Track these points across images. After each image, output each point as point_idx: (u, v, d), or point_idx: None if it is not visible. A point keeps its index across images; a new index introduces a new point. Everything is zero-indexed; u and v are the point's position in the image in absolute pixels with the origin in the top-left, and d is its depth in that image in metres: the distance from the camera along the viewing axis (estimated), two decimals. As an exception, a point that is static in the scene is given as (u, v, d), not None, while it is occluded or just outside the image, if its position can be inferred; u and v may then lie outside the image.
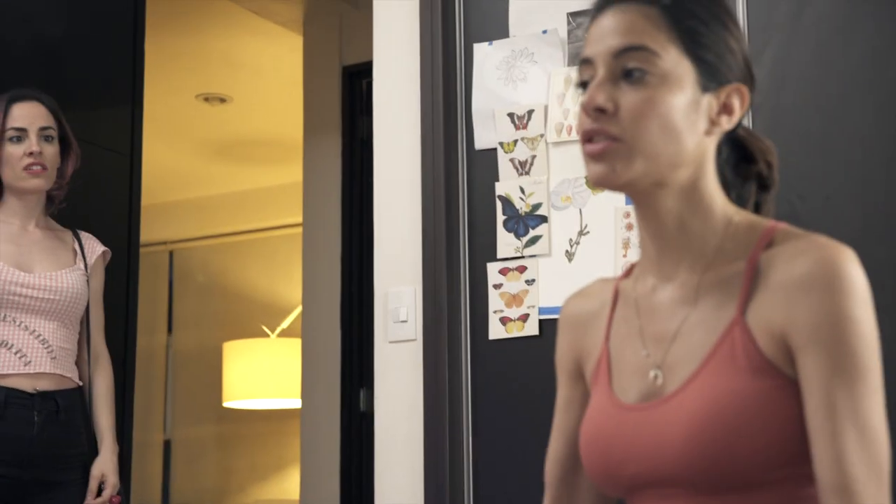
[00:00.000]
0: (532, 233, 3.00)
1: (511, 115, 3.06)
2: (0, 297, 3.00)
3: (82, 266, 3.20)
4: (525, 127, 3.03)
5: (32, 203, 3.19)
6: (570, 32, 3.00)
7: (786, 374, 1.40)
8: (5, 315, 3.02)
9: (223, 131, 6.71)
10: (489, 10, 3.13)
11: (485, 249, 3.06)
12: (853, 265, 1.40)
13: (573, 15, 3.00)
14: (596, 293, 1.68)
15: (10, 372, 2.96)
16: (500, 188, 3.05)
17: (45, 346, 3.04)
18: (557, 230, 2.98)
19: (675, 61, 1.49)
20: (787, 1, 2.72)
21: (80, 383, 3.14)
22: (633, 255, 2.84)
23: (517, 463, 2.94)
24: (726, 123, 1.51)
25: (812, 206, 2.58)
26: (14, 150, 3.08)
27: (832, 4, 2.70)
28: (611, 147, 1.48)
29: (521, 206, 3.01)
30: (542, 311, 2.97)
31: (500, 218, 3.04)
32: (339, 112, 4.99)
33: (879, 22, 2.65)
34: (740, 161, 1.59)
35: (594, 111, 1.48)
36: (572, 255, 2.94)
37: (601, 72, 1.49)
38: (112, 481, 3.07)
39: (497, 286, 3.02)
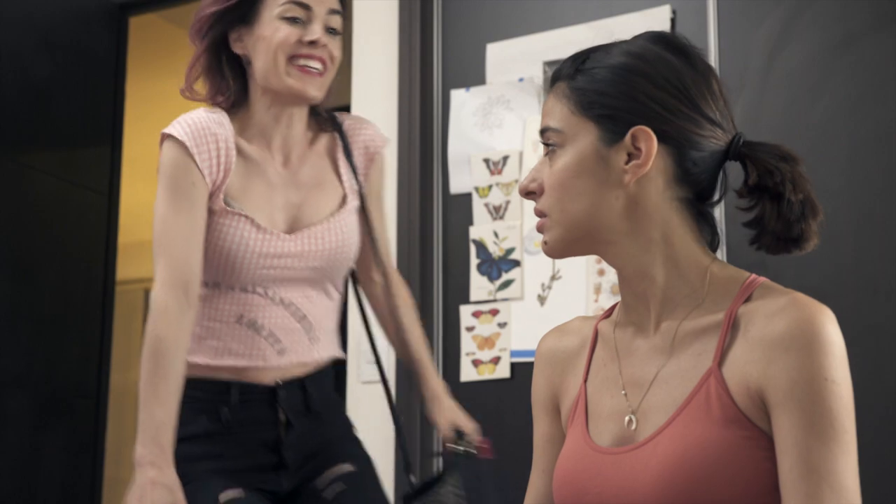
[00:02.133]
0: (505, 276, 2.99)
1: (486, 161, 3.05)
2: (248, 273, 2.11)
3: (355, 199, 2.25)
4: (500, 172, 3.03)
5: (293, 118, 2.21)
6: (545, 81, 3.00)
7: (758, 427, 1.40)
8: (255, 287, 2.13)
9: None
10: (467, 58, 3.13)
11: (458, 292, 3.06)
12: (832, 325, 1.39)
13: (549, 64, 3.00)
14: (576, 331, 1.67)
15: (259, 364, 2.12)
16: (475, 232, 3.04)
17: (304, 325, 2.16)
18: (530, 274, 2.96)
19: (574, 127, 1.51)
20: (758, 56, 2.73)
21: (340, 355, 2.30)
22: (605, 299, 2.83)
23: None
24: (639, 168, 1.49)
25: (781, 257, 2.57)
26: (287, 32, 2.10)
27: (802, 60, 2.70)
28: (542, 223, 1.54)
29: (495, 251, 3.00)
30: (513, 353, 2.96)
31: (474, 261, 3.03)
32: (315, 156, 4.98)
33: (848, 77, 2.66)
34: (745, 184, 1.52)
35: (526, 195, 1.56)
36: (544, 299, 2.93)
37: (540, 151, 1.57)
38: (470, 426, 2.28)
39: (469, 328, 3.00)
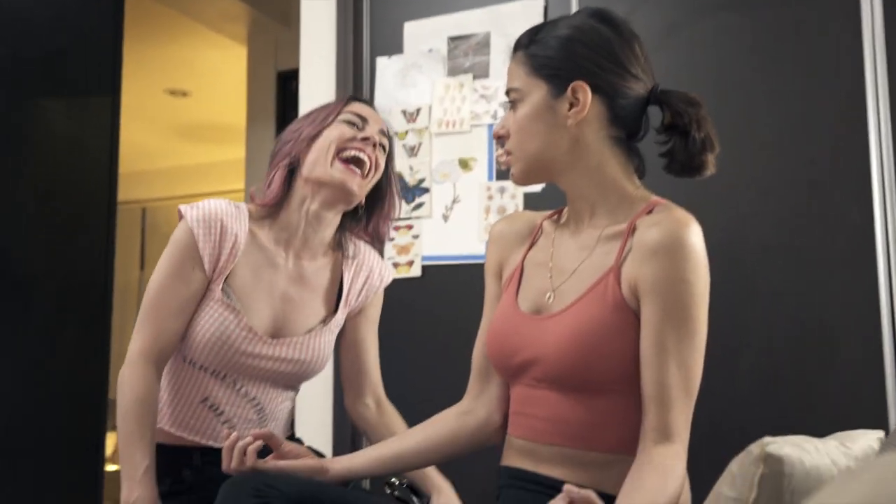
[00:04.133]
0: (417, 200, 2.99)
1: (404, 112, 3.04)
2: (228, 363, 1.84)
3: (342, 318, 1.99)
4: (414, 121, 3.02)
5: (321, 223, 1.92)
6: (449, 51, 2.99)
7: (637, 314, 1.42)
8: (226, 376, 1.86)
9: (184, 118, 6.62)
10: (389, 32, 3.10)
11: (382, 212, 3.04)
12: (695, 236, 1.41)
13: (452, 38, 2.99)
14: (523, 220, 1.69)
15: (211, 444, 1.87)
16: (396, 166, 3.03)
17: (260, 416, 1.91)
18: (437, 198, 2.97)
19: (530, 85, 1.54)
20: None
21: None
22: (492, 218, 2.85)
23: (403, 376, 2.94)
24: (578, 114, 1.51)
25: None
26: (344, 130, 1.88)
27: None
28: (507, 160, 1.57)
29: (410, 180, 3.00)
30: (424, 258, 2.96)
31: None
32: (273, 107, 4.92)
33: (676, 55, 2.68)
34: (662, 123, 1.54)
35: (497, 139, 1.58)
36: (447, 217, 2.95)
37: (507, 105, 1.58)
38: None
39: (391, 239, 3.01)
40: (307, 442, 1.96)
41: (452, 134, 2.95)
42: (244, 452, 1.58)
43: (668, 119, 1.52)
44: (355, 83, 3.10)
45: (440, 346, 2.88)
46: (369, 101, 2.02)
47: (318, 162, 1.85)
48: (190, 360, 1.85)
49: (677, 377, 1.38)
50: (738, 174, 2.54)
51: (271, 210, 1.91)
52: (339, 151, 1.86)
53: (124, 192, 3.80)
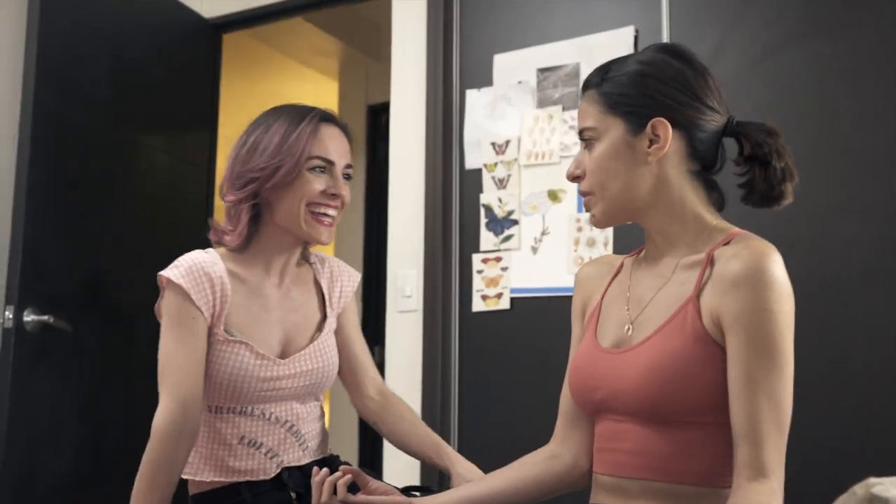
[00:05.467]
0: (506, 232, 2.99)
1: (493, 144, 3.05)
2: (248, 395, 1.86)
3: (333, 321, 2.02)
4: (503, 153, 3.02)
5: (294, 250, 1.99)
6: (538, 83, 2.99)
7: (719, 345, 1.40)
8: (252, 409, 1.88)
9: (277, 152, 6.69)
10: (478, 65, 3.13)
11: (471, 244, 3.06)
12: (775, 266, 1.39)
13: (541, 70, 2.99)
14: (605, 262, 1.70)
15: (262, 478, 1.86)
16: (484, 198, 3.05)
17: (298, 437, 1.92)
18: (526, 230, 2.96)
19: (606, 123, 1.52)
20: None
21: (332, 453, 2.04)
22: (582, 249, 2.84)
23: (492, 404, 2.94)
24: (659, 150, 1.49)
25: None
26: (314, 185, 1.90)
27: (734, 68, 2.69)
28: (587, 200, 1.55)
29: (499, 212, 3.01)
30: (512, 290, 2.96)
31: (483, 220, 3.04)
32: (364, 139, 4.98)
33: (768, 83, 2.64)
34: (741, 154, 1.53)
35: (572, 180, 1.57)
36: (536, 249, 2.94)
37: (581, 145, 1.57)
38: None
39: (479, 271, 3.01)
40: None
41: (542, 165, 2.95)
42: (334, 487, 1.59)
43: (749, 150, 1.50)
44: (445, 115, 3.13)
45: (530, 378, 2.86)
46: (334, 120, 1.98)
47: (291, 214, 1.89)
48: (216, 408, 1.87)
49: (768, 411, 1.35)
50: (836, 199, 2.49)
51: (240, 247, 1.94)
52: (308, 205, 1.89)
53: (219, 224, 3.87)
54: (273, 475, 1.86)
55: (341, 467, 1.64)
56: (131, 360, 3.21)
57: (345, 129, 1.99)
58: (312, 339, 1.95)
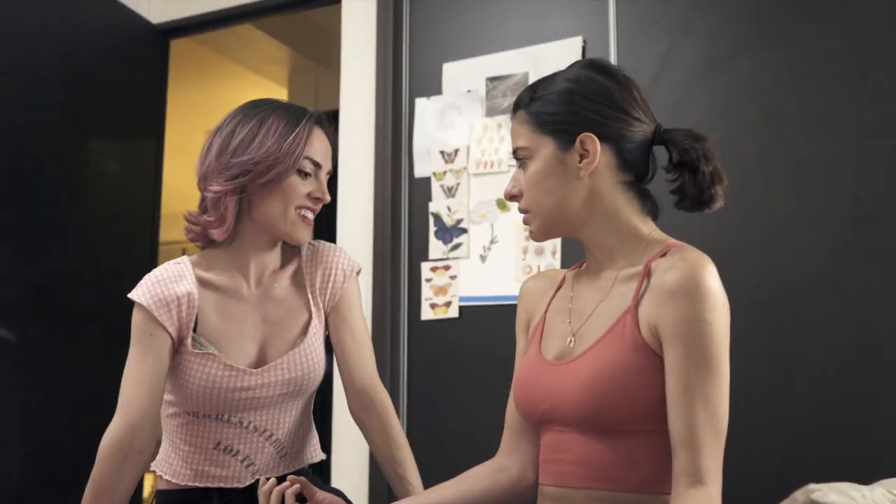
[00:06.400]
0: (455, 240, 3.00)
1: (442, 152, 3.05)
2: (222, 404, 1.82)
3: (320, 319, 1.93)
4: (452, 161, 3.03)
5: (273, 247, 1.94)
6: (487, 92, 3.00)
7: (657, 355, 1.42)
8: (229, 417, 1.84)
9: (226, 159, 6.65)
10: (428, 73, 3.13)
11: (420, 252, 3.06)
12: (711, 277, 1.41)
13: (490, 79, 3.00)
14: (548, 276, 1.72)
15: (236, 486, 1.83)
16: (433, 206, 3.05)
17: (277, 447, 1.88)
18: (475, 239, 2.97)
19: (537, 142, 1.55)
20: (648, 75, 2.74)
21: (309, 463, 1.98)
22: (530, 258, 2.85)
23: (441, 412, 2.94)
24: (589, 165, 1.52)
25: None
26: (299, 184, 1.88)
27: (677, 80, 2.72)
28: (526, 218, 1.58)
29: (448, 221, 3.01)
30: (461, 299, 2.96)
31: (432, 229, 3.04)
32: (313, 147, 4.95)
33: (712, 93, 2.68)
34: (670, 161, 1.55)
35: (509, 199, 1.59)
36: (485, 258, 2.95)
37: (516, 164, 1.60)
38: None
39: (428, 280, 3.02)
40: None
41: (490, 174, 2.96)
42: (282, 497, 1.58)
43: (676, 156, 1.53)
44: (394, 124, 3.13)
45: (479, 386, 2.87)
46: (325, 123, 1.95)
47: (273, 214, 1.85)
48: (193, 412, 1.84)
49: (705, 418, 1.37)
50: (786, 207, 2.53)
51: (218, 246, 1.90)
52: (297, 208, 1.87)
53: (166, 233, 3.84)
54: (247, 484, 1.83)
55: (289, 477, 1.62)
56: (79, 369, 3.16)
57: (329, 134, 1.96)
58: (294, 345, 1.87)
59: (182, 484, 1.84)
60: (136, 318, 1.82)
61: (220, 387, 1.79)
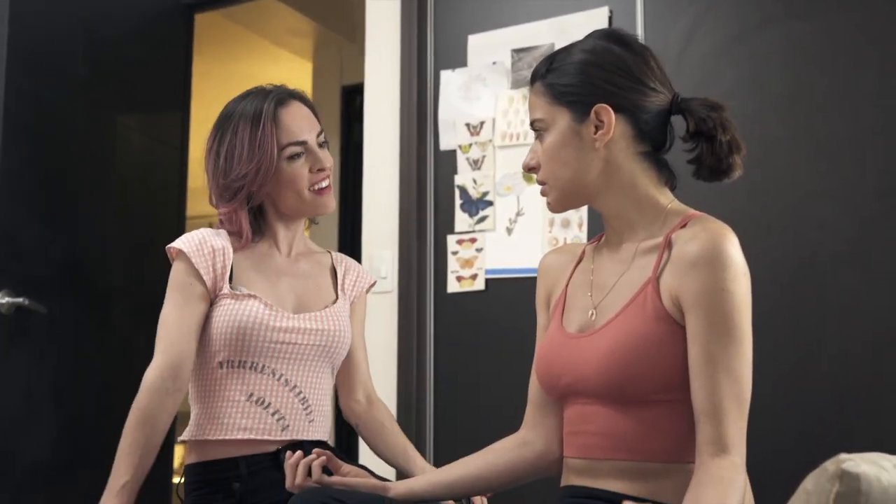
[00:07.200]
0: (481, 213, 2.99)
1: (467, 125, 3.04)
2: (259, 345, 1.90)
3: (346, 303, 2.07)
4: (478, 134, 3.02)
5: (299, 227, 2.10)
6: (513, 64, 2.99)
7: (679, 324, 1.43)
8: (264, 366, 1.91)
9: (251, 133, 6.67)
10: (453, 45, 3.12)
11: (445, 225, 3.06)
12: (733, 247, 1.42)
13: (516, 51, 2.99)
14: (568, 250, 1.72)
15: (266, 438, 1.89)
16: (458, 179, 3.04)
17: (305, 406, 1.95)
18: (500, 212, 2.97)
19: (553, 114, 1.56)
20: (675, 46, 2.72)
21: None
22: (557, 230, 2.84)
23: (467, 384, 2.95)
24: (605, 136, 1.51)
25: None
26: (297, 169, 1.96)
27: (707, 50, 2.69)
28: (543, 189, 1.59)
29: (474, 193, 3.01)
30: (487, 272, 2.96)
31: (458, 202, 3.04)
32: (338, 120, 4.96)
33: (742, 63, 2.65)
34: (687, 131, 1.55)
35: (528, 170, 1.60)
36: (511, 231, 2.95)
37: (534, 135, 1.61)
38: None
39: (454, 253, 3.02)
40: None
41: (516, 146, 2.95)
42: (308, 469, 1.60)
43: (693, 126, 1.53)
44: (419, 96, 3.12)
45: (505, 358, 2.87)
46: (290, 97, 2.03)
47: (292, 202, 1.98)
48: (227, 362, 1.91)
49: (728, 387, 1.37)
50: (811, 182, 2.51)
51: (253, 240, 2.02)
52: (309, 189, 1.98)
53: (193, 206, 3.85)
54: (278, 438, 1.89)
55: (315, 450, 1.65)
56: (108, 342, 3.19)
57: (303, 100, 2.04)
58: (328, 307, 2.01)
59: (211, 440, 1.89)
60: (176, 267, 1.93)
61: (261, 324, 1.88)
